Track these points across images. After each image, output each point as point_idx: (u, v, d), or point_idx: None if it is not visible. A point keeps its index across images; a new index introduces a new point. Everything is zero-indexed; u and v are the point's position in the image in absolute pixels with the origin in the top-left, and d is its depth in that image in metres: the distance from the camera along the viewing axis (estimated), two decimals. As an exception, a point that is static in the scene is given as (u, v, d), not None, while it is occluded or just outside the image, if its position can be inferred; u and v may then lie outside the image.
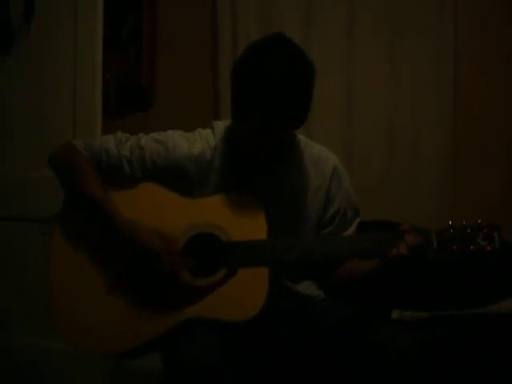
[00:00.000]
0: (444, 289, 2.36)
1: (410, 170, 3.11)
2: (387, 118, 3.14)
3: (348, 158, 3.08)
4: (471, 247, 1.55)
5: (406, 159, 3.12)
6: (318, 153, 1.84)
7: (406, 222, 1.63)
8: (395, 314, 2.30)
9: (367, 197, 2.91)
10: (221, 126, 1.81)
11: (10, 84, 2.65)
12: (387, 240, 1.61)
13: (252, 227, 1.68)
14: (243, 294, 1.63)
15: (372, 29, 3.15)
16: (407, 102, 3.12)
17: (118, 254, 1.68)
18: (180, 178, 1.73)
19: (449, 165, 3.08)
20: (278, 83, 1.54)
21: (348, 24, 3.16)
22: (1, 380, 2.63)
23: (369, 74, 3.15)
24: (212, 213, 1.69)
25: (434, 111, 3.10)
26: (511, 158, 3.05)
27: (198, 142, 1.76)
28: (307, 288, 1.85)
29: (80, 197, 1.71)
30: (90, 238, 1.72)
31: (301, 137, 1.83)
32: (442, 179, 3.07)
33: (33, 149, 2.60)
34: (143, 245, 1.63)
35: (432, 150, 3.09)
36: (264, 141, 1.65)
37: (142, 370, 2.22)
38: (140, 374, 2.53)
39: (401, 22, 3.12)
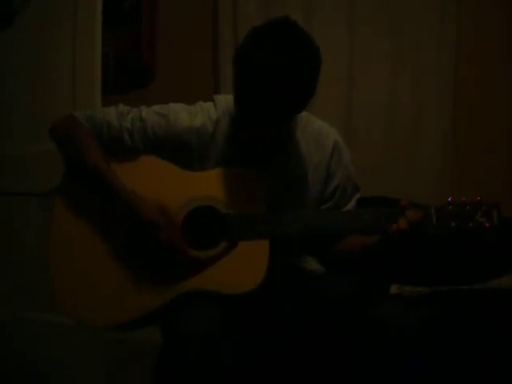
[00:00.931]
0: (443, 264, 2.37)
1: (410, 147, 3.14)
2: (387, 95, 3.16)
3: (348, 134, 3.09)
4: (470, 224, 1.57)
5: (405, 136, 3.14)
6: (319, 128, 1.83)
7: (405, 199, 1.64)
8: (394, 289, 2.31)
9: (367, 174, 2.94)
10: (222, 99, 1.80)
11: (10, 57, 2.63)
12: (387, 215, 1.61)
13: (252, 201, 1.68)
14: (243, 267, 1.64)
15: (373, 9, 3.15)
16: (408, 83, 3.15)
17: (118, 226, 1.68)
18: (181, 150, 1.73)
19: (449, 141, 3.10)
20: (280, 71, 1.50)
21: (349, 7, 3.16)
22: (1, 354, 2.64)
23: (370, 58, 3.17)
24: (213, 186, 1.69)
25: (434, 90, 3.12)
26: (510, 141, 3.06)
27: (199, 115, 1.75)
28: (308, 263, 1.87)
29: (81, 168, 1.71)
30: (91, 209, 1.73)
31: (304, 113, 1.79)
32: (442, 156, 3.10)
33: (32, 123, 2.58)
34: (143, 217, 1.63)
35: (432, 126, 3.11)
36: (265, 129, 1.64)
37: (143, 343, 2.23)
38: (140, 347, 2.55)
39: (403, 9, 3.14)
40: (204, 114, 1.75)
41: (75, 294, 1.69)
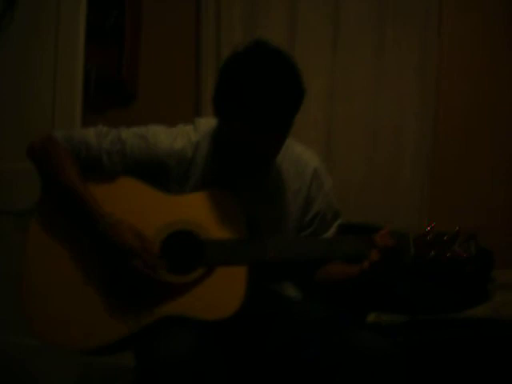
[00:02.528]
0: (421, 294, 2.37)
1: (392, 171, 3.15)
2: (369, 118, 3.17)
3: (330, 157, 3.10)
4: (448, 254, 1.58)
5: (387, 160, 3.15)
6: (300, 154, 1.82)
7: (385, 227, 1.64)
8: (372, 317, 2.31)
9: (349, 196, 2.96)
10: (202, 122, 1.79)
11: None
12: (362, 244, 1.63)
13: (231, 226, 1.67)
14: (220, 293, 1.62)
15: (357, 32, 3.17)
16: (389, 102, 3.16)
17: (95, 250, 1.66)
18: (160, 173, 1.72)
19: (429, 165, 3.11)
20: (265, 91, 1.52)
21: (332, 23, 3.18)
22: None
23: (350, 75, 3.17)
24: (191, 210, 1.68)
25: (416, 112, 3.14)
26: (493, 161, 3.09)
27: (179, 138, 1.74)
28: (286, 289, 1.86)
29: (59, 188, 1.69)
30: (67, 232, 1.70)
31: None
32: (423, 180, 3.11)
33: (9, 140, 2.56)
34: (120, 243, 1.62)
35: (413, 150, 3.12)
36: (251, 151, 1.62)
37: (116, 367, 2.20)
38: (113, 372, 2.52)
39: (388, 11, 3.15)
40: (184, 137, 1.74)
41: (49, 318, 1.66)
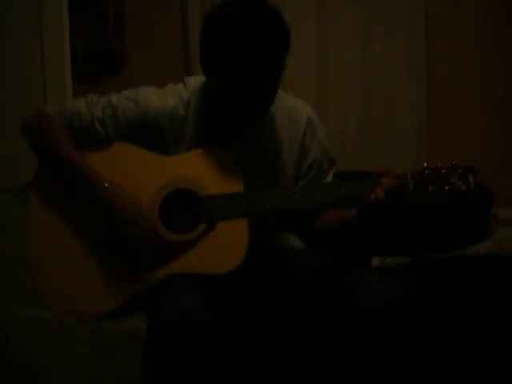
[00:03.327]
0: (422, 233, 2.38)
1: (386, 118, 3.14)
2: (362, 66, 3.16)
3: (324, 107, 3.10)
4: (446, 187, 1.56)
5: (381, 107, 3.14)
6: (292, 105, 1.83)
7: (382, 167, 1.63)
8: (376, 261, 2.33)
9: (344, 146, 2.96)
10: (192, 80, 1.79)
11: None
12: (363, 184, 1.61)
13: (228, 180, 1.67)
14: (224, 247, 1.63)
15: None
16: (381, 51, 3.15)
17: (95, 217, 1.68)
18: (154, 134, 1.72)
19: (423, 110, 3.11)
20: (257, 33, 1.54)
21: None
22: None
23: (342, 24, 3.17)
24: (187, 168, 1.69)
25: (407, 59, 3.13)
26: (484, 105, 3.08)
27: (170, 97, 1.74)
28: (288, 240, 1.87)
29: (55, 162, 1.71)
30: (66, 202, 1.72)
31: None
32: (418, 125, 3.12)
33: (3, 117, 2.56)
34: (120, 211, 1.63)
35: (406, 96, 3.12)
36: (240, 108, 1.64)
37: (127, 331, 2.23)
38: (125, 336, 2.56)
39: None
40: (175, 95, 1.74)
41: (56, 289, 1.68)
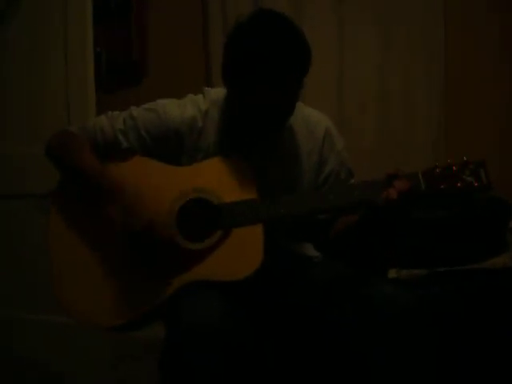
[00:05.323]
0: (439, 246, 2.38)
1: (403, 131, 3.14)
2: (379, 80, 3.17)
3: (341, 120, 3.11)
4: (458, 184, 1.55)
5: (398, 120, 3.15)
6: (310, 115, 1.85)
7: (392, 168, 1.62)
8: (392, 273, 2.33)
9: (361, 158, 2.96)
10: (211, 91, 1.82)
11: (2, 59, 2.65)
12: (376, 187, 1.60)
13: (243, 188, 1.69)
14: (240, 253, 1.64)
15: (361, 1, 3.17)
16: (398, 64, 3.14)
17: (113, 229, 1.68)
18: (174, 142, 1.74)
19: (441, 124, 3.11)
20: (278, 49, 1.56)
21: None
22: (4, 355, 2.67)
23: (360, 39, 3.17)
24: (203, 178, 1.70)
25: (425, 72, 3.12)
26: (500, 118, 3.07)
27: (188, 107, 1.77)
28: (305, 249, 1.89)
29: (78, 175, 1.73)
30: (86, 214, 1.74)
31: None
32: (435, 139, 3.10)
33: (29, 124, 2.61)
34: (140, 219, 1.63)
35: (424, 109, 3.12)
36: (272, 105, 1.64)
37: (144, 339, 2.24)
38: (142, 344, 2.57)
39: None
40: (194, 105, 1.77)
41: (76, 298, 1.70)
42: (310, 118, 1.84)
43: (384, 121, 3.16)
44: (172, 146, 1.75)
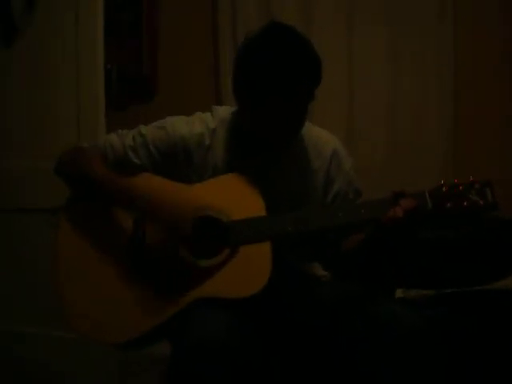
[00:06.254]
0: (447, 267, 2.37)
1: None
2: (389, 101, 3.18)
3: (351, 133, 3.15)
4: (465, 203, 1.55)
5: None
6: (319, 136, 1.85)
7: (398, 189, 1.61)
8: (399, 293, 2.32)
9: (371, 171, 2.97)
10: (220, 109, 1.83)
11: (13, 75, 2.67)
12: (382, 205, 1.60)
13: (250, 206, 1.69)
14: (248, 270, 1.64)
15: (371, 13, 3.18)
16: (409, 78, 3.16)
17: (122, 246, 1.70)
18: (183, 159, 1.75)
19: (450, 136, 3.11)
20: (289, 61, 1.58)
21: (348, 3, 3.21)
22: (2, 367, 2.66)
23: (370, 52, 3.19)
24: (210, 196, 1.70)
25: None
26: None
27: (197, 124, 1.78)
28: (313, 268, 1.89)
29: (90, 184, 1.74)
30: (96, 230, 1.75)
31: None
32: (445, 151, 3.11)
33: (40, 140, 2.62)
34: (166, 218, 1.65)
35: (433, 122, 3.12)
36: (284, 121, 1.65)
37: (149, 354, 2.23)
38: (147, 361, 2.56)
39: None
40: (202, 123, 1.78)
41: (82, 315, 1.69)
42: (318, 138, 1.85)
43: (394, 134, 3.17)
44: (181, 162, 1.76)
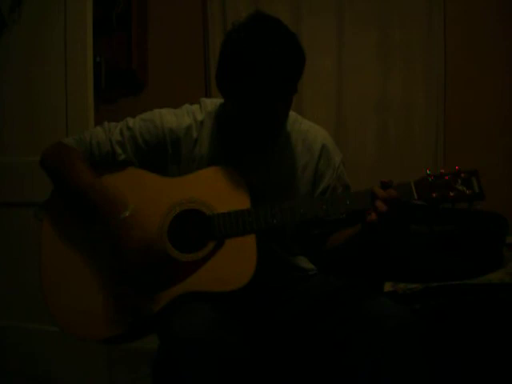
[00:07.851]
0: (437, 261, 2.38)
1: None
2: (378, 97, 3.20)
3: (341, 128, 3.16)
4: (451, 193, 1.55)
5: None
6: (307, 130, 1.84)
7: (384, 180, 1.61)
8: (388, 287, 2.33)
9: (361, 166, 2.98)
10: (208, 102, 1.82)
11: (0, 69, 2.66)
12: (368, 195, 1.59)
13: (235, 199, 1.68)
14: (233, 264, 1.63)
15: (361, 11, 3.20)
16: (398, 72, 3.18)
17: (104, 241, 1.68)
18: (172, 152, 1.75)
19: (440, 131, 3.13)
20: (269, 45, 1.55)
21: (338, 2, 3.21)
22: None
23: (359, 47, 3.20)
24: (195, 189, 1.69)
25: (424, 80, 3.15)
26: (504, 126, 3.09)
27: (185, 116, 1.77)
28: (301, 261, 1.88)
29: (72, 188, 1.71)
30: (77, 226, 1.73)
31: (291, 112, 1.80)
32: (435, 146, 3.13)
33: (28, 134, 2.61)
34: (124, 245, 1.62)
35: (423, 117, 3.15)
36: (263, 116, 1.64)
37: (136, 349, 2.23)
38: (133, 354, 2.56)
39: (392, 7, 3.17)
40: (190, 115, 1.78)
41: (67, 310, 1.68)
42: (307, 132, 1.84)
43: (383, 129, 3.18)
44: (169, 155, 1.75)
